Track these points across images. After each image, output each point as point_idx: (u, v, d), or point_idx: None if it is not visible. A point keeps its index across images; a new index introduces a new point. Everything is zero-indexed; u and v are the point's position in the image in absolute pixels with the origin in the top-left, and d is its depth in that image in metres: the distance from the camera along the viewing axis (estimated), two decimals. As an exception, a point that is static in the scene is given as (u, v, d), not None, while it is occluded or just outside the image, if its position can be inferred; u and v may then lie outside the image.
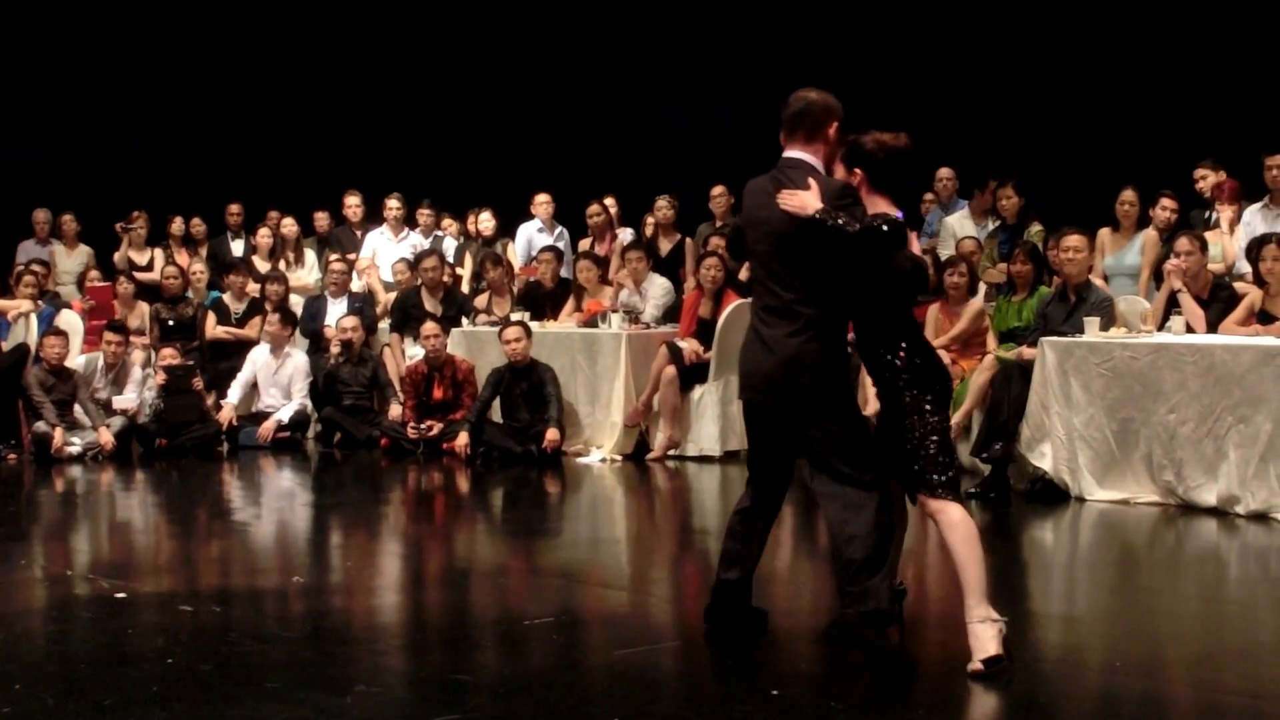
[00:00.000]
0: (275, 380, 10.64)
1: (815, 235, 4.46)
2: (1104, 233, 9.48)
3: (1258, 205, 9.20)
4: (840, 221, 4.44)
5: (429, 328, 10.15)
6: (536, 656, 4.87)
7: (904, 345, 4.61)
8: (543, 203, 11.84)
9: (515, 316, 10.20)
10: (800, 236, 4.50)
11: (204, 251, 12.88)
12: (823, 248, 4.49)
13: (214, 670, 4.61)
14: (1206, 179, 9.57)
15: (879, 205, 4.63)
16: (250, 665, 4.69)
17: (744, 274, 9.33)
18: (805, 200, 4.50)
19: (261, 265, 12.21)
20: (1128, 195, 9.42)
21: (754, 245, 4.69)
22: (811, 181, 4.54)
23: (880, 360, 4.65)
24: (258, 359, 10.68)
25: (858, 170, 4.65)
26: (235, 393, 10.55)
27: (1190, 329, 7.97)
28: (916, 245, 4.76)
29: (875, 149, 4.63)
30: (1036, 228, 9.92)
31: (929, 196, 11.26)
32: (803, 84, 4.79)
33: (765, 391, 4.66)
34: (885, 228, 4.46)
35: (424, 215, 12.37)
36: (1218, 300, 8.21)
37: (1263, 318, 7.83)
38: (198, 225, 13.02)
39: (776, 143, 4.79)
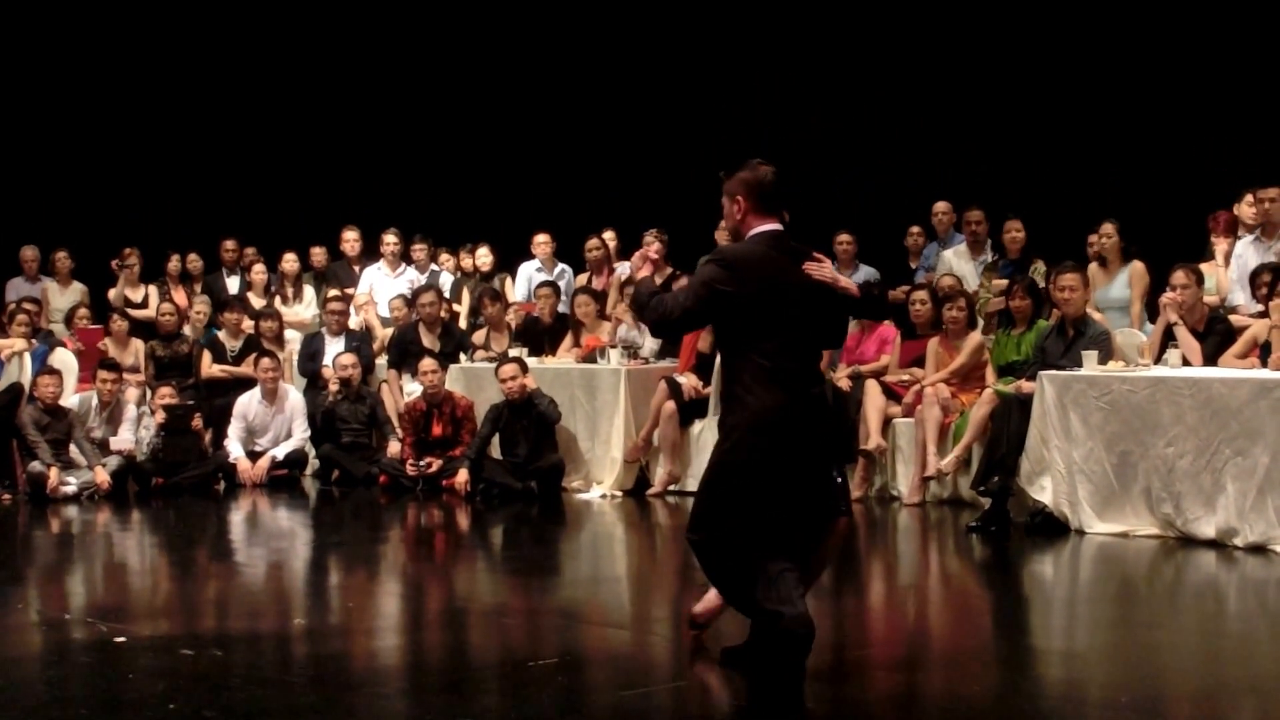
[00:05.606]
0: (274, 424, 10.58)
1: (852, 304, 5.02)
2: (1093, 268, 9.49)
3: (1249, 237, 9.24)
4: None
5: (427, 364, 10.14)
6: (541, 699, 4.84)
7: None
8: (541, 243, 11.82)
9: (513, 352, 10.20)
10: (829, 302, 4.95)
11: (199, 288, 12.85)
12: (832, 311, 4.99)
13: (217, 716, 4.57)
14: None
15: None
16: (253, 711, 4.66)
17: (703, 343, 9.45)
18: (835, 272, 5.01)
19: (256, 302, 12.19)
20: (1107, 229, 9.42)
21: (783, 310, 4.87)
22: (820, 256, 5.01)
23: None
24: (248, 410, 10.52)
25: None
26: (236, 447, 10.44)
27: (1186, 362, 8.00)
28: None
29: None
30: (1041, 267, 9.87)
31: (915, 228, 11.34)
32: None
33: (821, 440, 4.92)
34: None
35: (418, 251, 12.34)
36: (1213, 333, 8.23)
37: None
38: (194, 261, 12.99)
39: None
